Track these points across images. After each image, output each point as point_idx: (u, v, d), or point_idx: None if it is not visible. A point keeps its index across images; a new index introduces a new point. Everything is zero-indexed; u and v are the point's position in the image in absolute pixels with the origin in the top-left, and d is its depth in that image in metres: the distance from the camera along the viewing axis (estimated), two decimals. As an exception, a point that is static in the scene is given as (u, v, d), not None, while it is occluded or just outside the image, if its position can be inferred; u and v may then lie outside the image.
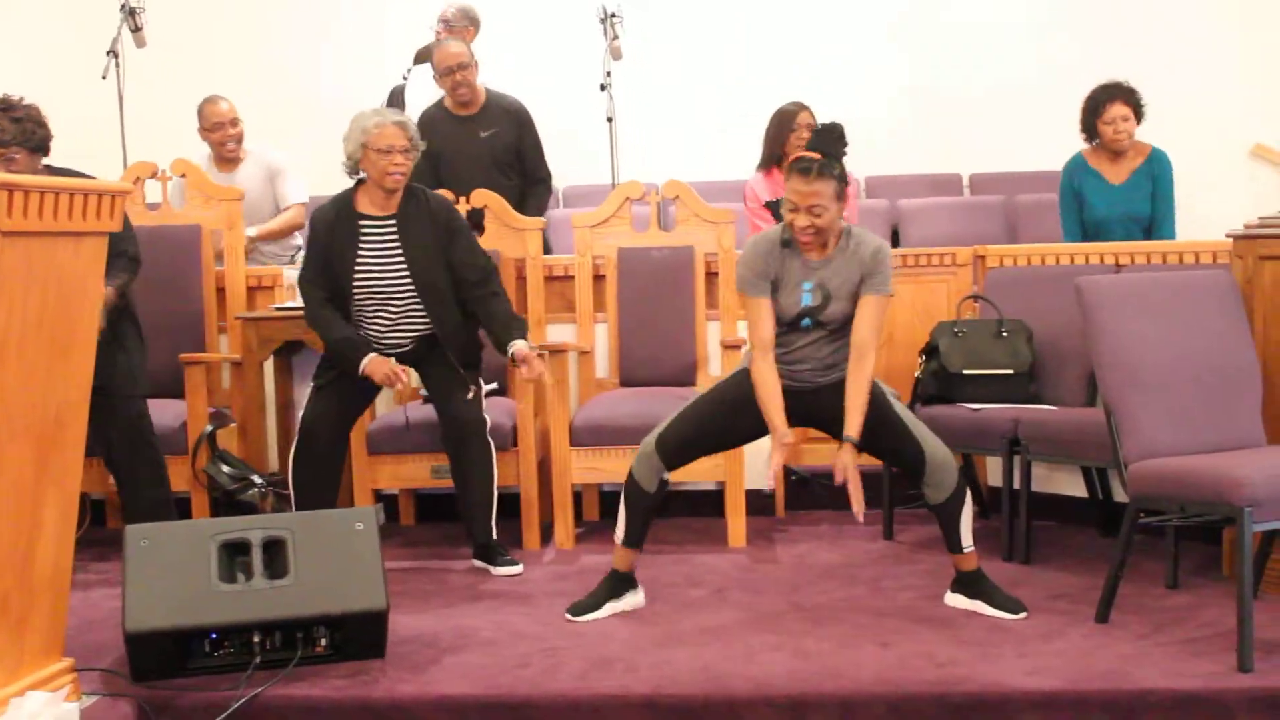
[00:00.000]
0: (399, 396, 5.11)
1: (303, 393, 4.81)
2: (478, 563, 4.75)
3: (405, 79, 6.91)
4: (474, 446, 4.66)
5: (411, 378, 4.72)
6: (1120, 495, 4.76)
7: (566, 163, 8.19)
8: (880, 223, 7.86)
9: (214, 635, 3.59)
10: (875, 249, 4.02)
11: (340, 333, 4.66)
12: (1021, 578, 4.37)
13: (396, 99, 6.78)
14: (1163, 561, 4.29)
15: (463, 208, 5.50)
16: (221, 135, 6.17)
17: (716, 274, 5.49)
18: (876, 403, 4.01)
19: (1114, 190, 5.71)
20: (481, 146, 6.14)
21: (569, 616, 4.08)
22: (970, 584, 4.06)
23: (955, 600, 4.09)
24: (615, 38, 6.78)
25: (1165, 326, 3.91)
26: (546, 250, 5.90)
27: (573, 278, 5.60)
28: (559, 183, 8.38)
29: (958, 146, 8.43)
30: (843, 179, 3.98)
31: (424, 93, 6.53)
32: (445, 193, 5.45)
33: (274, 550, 3.67)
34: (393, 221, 4.68)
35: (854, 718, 3.37)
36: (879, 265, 4.00)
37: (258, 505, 4.77)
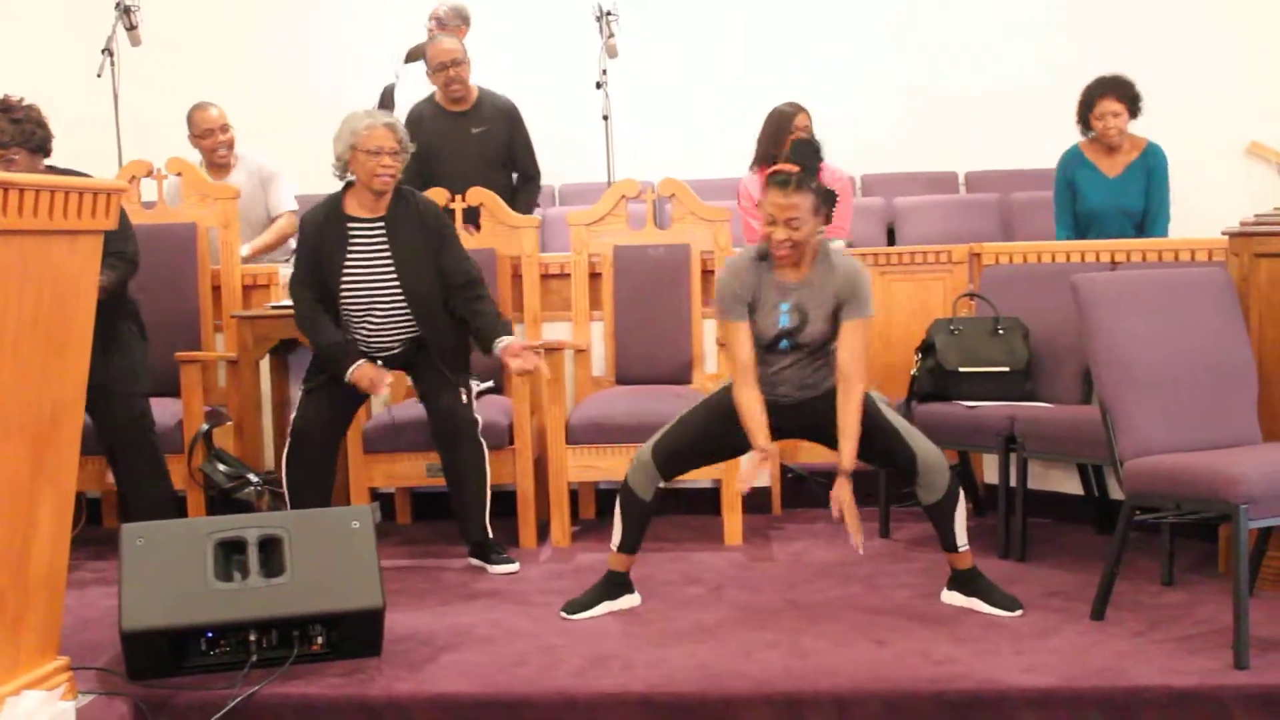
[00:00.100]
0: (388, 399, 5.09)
1: (298, 391, 4.81)
2: (474, 561, 4.75)
3: (397, 78, 6.91)
4: (466, 446, 4.65)
5: (400, 380, 4.72)
6: (1116, 492, 4.76)
7: (562, 161, 8.21)
8: (876, 220, 7.88)
9: (210, 634, 3.59)
10: (851, 272, 3.99)
11: (328, 338, 4.65)
12: (1017, 575, 4.37)
13: (387, 98, 6.77)
14: (1158, 559, 4.30)
15: (458, 205, 5.52)
16: (212, 142, 6.14)
17: (713, 272, 5.48)
18: (866, 408, 4.01)
19: (1108, 183, 5.72)
20: (472, 143, 6.14)
21: (564, 615, 4.08)
22: (966, 582, 4.07)
23: (951, 598, 4.09)
24: (611, 36, 6.78)
25: (1161, 324, 3.91)
26: (542, 248, 5.90)
27: (569, 276, 5.60)
28: (555, 180, 8.40)
29: (954, 144, 8.45)
30: (819, 192, 3.97)
31: (415, 91, 6.52)
32: (440, 191, 5.47)
33: (270, 549, 3.67)
34: (381, 224, 4.68)
35: (850, 715, 3.37)
36: (857, 289, 3.97)
37: (254, 504, 4.77)
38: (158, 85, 7.69)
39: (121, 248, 4.61)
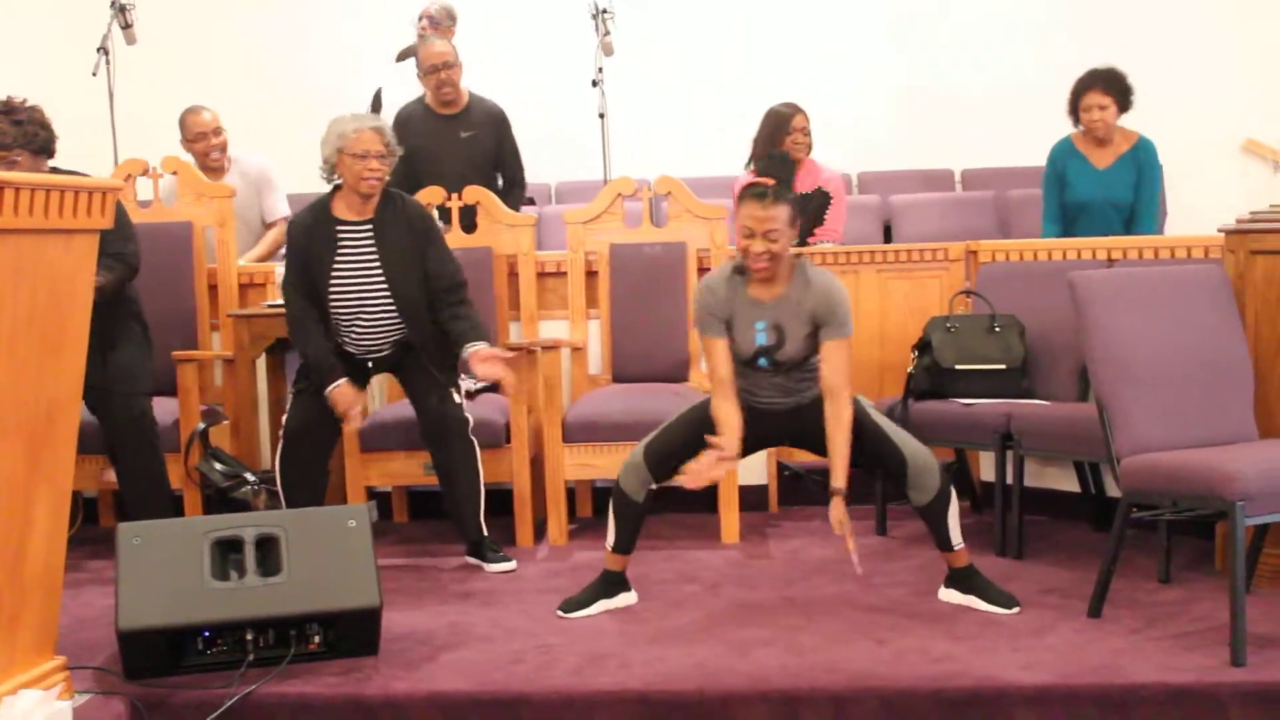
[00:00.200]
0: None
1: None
2: (471, 559, 4.75)
3: (381, 87, 6.92)
4: (456, 446, 4.65)
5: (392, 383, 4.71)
6: (1112, 490, 4.77)
7: (559, 159, 8.21)
8: (873, 218, 7.88)
9: (207, 633, 3.59)
10: (827, 290, 3.98)
11: (314, 348, 4.65)
12: (1014, 573, 4.37)
13: (378, 102, 6.76)
14: (1155, 556, 4.30)
15: (454, 204, 5.51)
16: (204, 146, 6.11)
17: (709, 270, 5.48)
18: (859, 418, 4.01)
19: (1097, 175, 5.73)
20: (460, 147, 6.13)
21: (561, 613, 4.08)
22: (963, 579, 4.07)
23: (948, 596, 4.10)
24: (607, 34, 6.78)
25: (1157, 321, 3.92)
26: (538, 246, 5.89)
27: (565, 274, 5.60)
28: (551, 179, 8.40)
29: (950, 142, 8.45)
30: (795, 203, 3.97)
31: (404, 92, 6.53)
32: (436, 190, 5.46)
33: (267, 548, 3.67)
34: (369, 227, 4.68)
35: (848, 713, 3.37)
36: (834, 309, 3.96)
37: (250, 503, 4.76)
38: (153, 84, 7.68)
39: (121, 249, 4.61)
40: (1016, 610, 3.95)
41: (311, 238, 4.66)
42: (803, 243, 5.72)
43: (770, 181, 3.93)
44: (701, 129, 8.35)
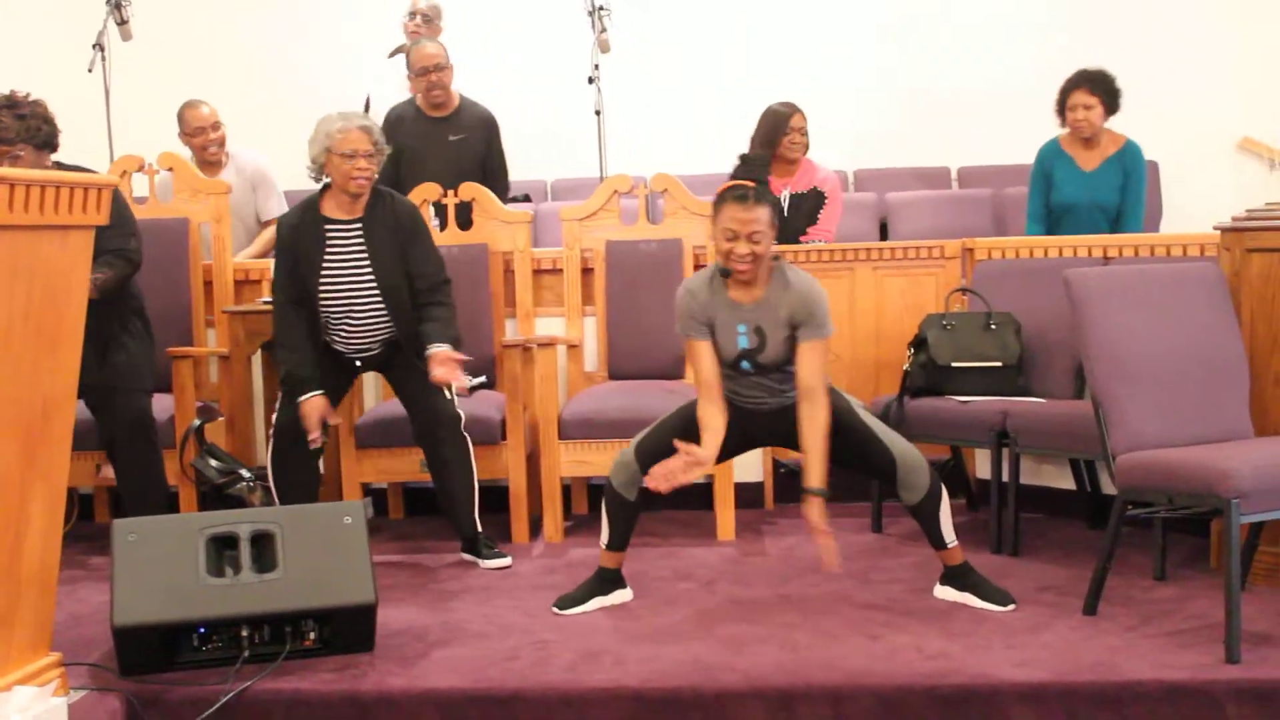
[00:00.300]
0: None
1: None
2: (466, 556, 4.75)
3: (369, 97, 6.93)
4: (449, 442, 4.65)
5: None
6: (1108, 487, 4.77)
7: (555, 156, 8.21)
8: (869, 216, 7.88)
9: (202, 629, 3.59)
10: (806, 291, 3.96)
11: (293, 355, 4.65)
12: (1010, 570, 4.38)
13: (367, 108, 6.76)
14: (1150, 553, 4.30)
15: (450, 201, 5.51)
16: (203, 140, 6.13)
17: (704, 267, 5.48)
18: (843, 412, 4.02)
19: (1083, 176, 5.74)
20: (449, 150, 6.13)
21: (556, 610, 4.08)
22: (958, 576, 4.07)
23: (944, 593, 4.10)
24: (603, 31, 6.77)
25: (1153, 319, 3.92)
26: (535, 243, 5.89)
27: (561, 271, 5.60)
28: (547, 176, 8.40)
29: (946, 140, 8.45)
30: (775, 205, 3.97)
31: (396, 92, 6.54)
32: (433, 187, 5.46)
33: (262, 544, 3.66)
34: (358, 225, 4.68)
35: (843, 710, 3.37)
36: (813, 310, 3.95)
37: (246, 499, 4.76)
38: (149, 81, 7.68)
39: (123, 244, 4.61)
40: (1012, 607, 3.95)
41: (300, 237, 4.66)
42: (795, 241, 5.76)
43: (751, 183, 3.92)
44: (698, 126, 8.35)
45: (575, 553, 4.84)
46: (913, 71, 8.51)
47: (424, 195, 5.43)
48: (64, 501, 3.40)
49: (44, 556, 3.30)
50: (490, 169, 6.22)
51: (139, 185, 5.72)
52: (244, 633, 3.59)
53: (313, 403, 4.57)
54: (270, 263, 5.67)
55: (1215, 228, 4.30)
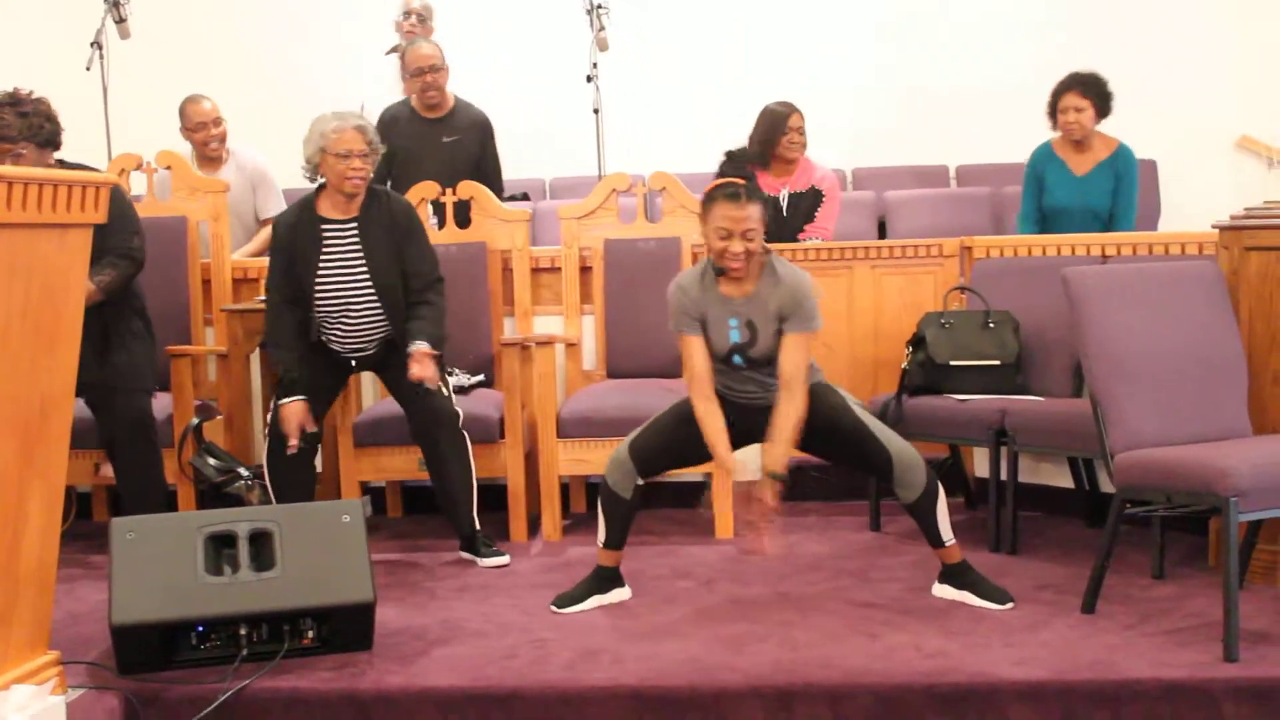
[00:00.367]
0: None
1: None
2: (464, 555, 4.75)
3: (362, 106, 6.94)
4: (446, 440, 4.65)
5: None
6: (1107, 486, 4.77)
7: (553, 154, 8.20)
8: (867, 214, 7.89)
9: (201, 628, 3.59)
10: (795, 284, 3.97)
11: (288, 354, 4.65)
12: (1008, 568, 4.38)
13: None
14: (1149, 552, 4.30)
15: (448, 200, 5.51)
16: (204, 135, 6.13)
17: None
18: (839, 409, 4.02)
19: (1075, 181, 5.74)
20: (442, 151, 6.12)
21: (554, 608, 4.08)
22: (957, 575, 4.07)
23: (943, 591, 4.10)
24: (601, 29, 6.77)
25: (1152, 317, 3.92)
26: (533, 242, 5.89)
27: (559, 269, 5.60)
28: (545, 174, 8.40)
29: (945, 138, 8.46)
30: (765, 201, 3.97)
31: (389, 91, 6.54)
32: (430, 185, 5.46)
33: (260, 542, 3.66)
34: (354, 225, 4.68)
35: (842, 708, 3.37)
36: (799, 304, 3.95)
37: (244, 497, 4.76)
38: (147, 78, 7.68)
39: (126, 244, 4.61)
40: (1010, 606, 3.95)
41: (297, 236, 4.66)
42: (791, 238, 5.76)
43: (741, 181, 3.93)
44: (696, 125, 8.34)
45: (573, 551, 4.83)
46: (911, 70, 8.51)
47: (422, 194, 5.43)
48: (62, 500, 3.39)
49: (42, 555, 3.30)
50: (484, 171, 6.19)
51: (137, 183, 5.73)
52: (242, 631, 3.59)
53: (293, 408, 4.57)
54: (267, 261, 5.68)
55: (1213, 226, 4.30)
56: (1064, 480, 5.12)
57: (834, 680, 3.42)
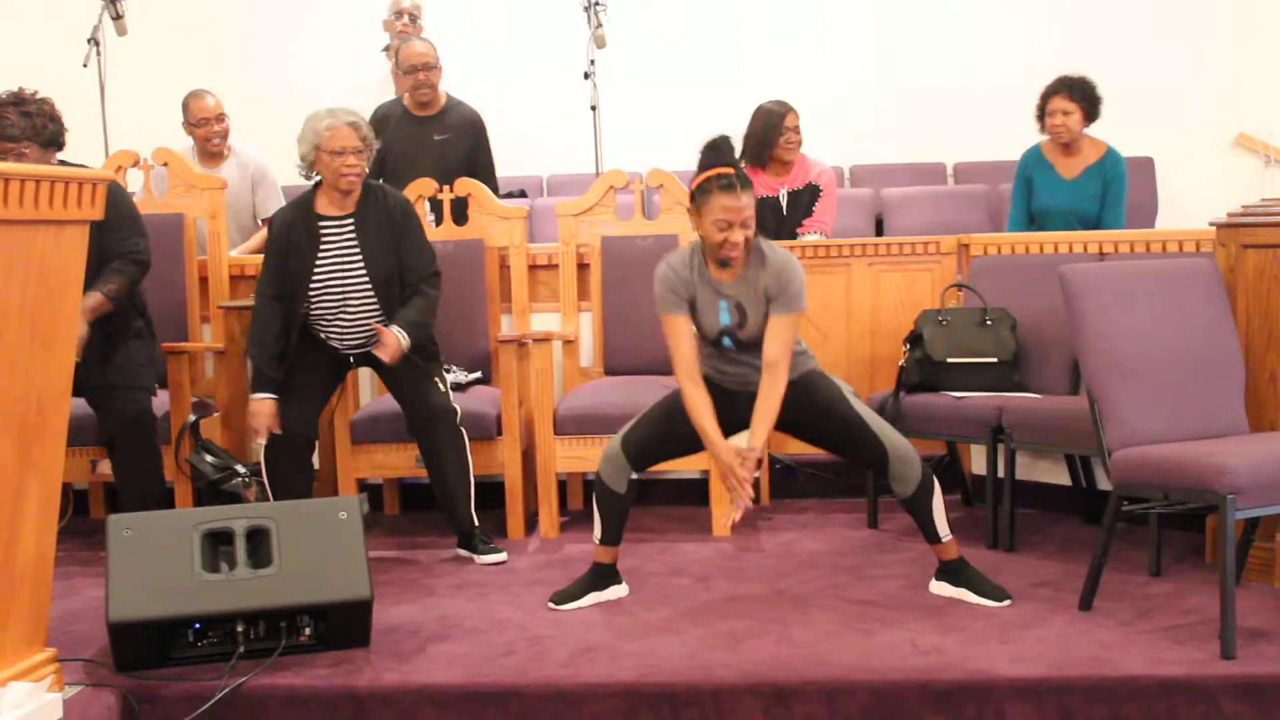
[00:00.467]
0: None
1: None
2: (462, 551, 4.75)
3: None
4: (444, 436, 4.65)
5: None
6: (1104, 483, 4.77)
7: (550, 151, 8.20)
8: (865, 211, 7.89)
9: (198, 625, 3.59)
10: (782, 266, 3.98)
11: (263, 352, 4.65)
12: (1005, 565, 4.38)
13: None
14: (1146, 549, 4.31)
15: (445, 197, 5.51)
16: (206, 131, 6.14)
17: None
18: (833, 399, 4.03)
19: (1063, 184, 5.74)
20: (433, 149, 6.12)
21: (551, 605, 4.08)
22: (954, 572, 4.07)
23: (940, 588, 4.10)
24: (599, 26, 6.77)
25: (1149, 315, 3.92)
26: (530, 239, 5.89)
27: (557, 266, 5.60)
28: (543, 171, 8.39)
29: (942, 136, 8.46)
30: (751, 185, 3.99)
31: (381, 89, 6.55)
32: (427, 182, 5.45)
33: (257, 540, 3.66)
34: (351, 221, 4.67)
35: (838, 705, 3.37)
36: (786, 285, 3.96)
37: (241, 495, 4.76)
38: (144, 75, 7.66)
39: (133, 246, 4.62)
40: (1008, 603, 3.95)
41: (293, 234, 4.66)
42: (791, 235, 5.76)
43: (731, 170, 3.94)
44: (694, 122, 8.28)
45: (571, 548, 4.83)
46: (908, 67, 8.51)
47: (419, 191, 5.43)
48: (59, 497, 3.39)
49: (39, 552, 3.29)
50: (477, 170, 6.17)
51: (134, 180, 5.72)
52: (239, 628, 3.59)
53: (265, 404, 4.57)
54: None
55: (1211, 224, 4.30)
56: (1061, 478, 5.13)
57: (831, 677, 3.42)
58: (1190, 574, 4.24)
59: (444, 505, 4.73)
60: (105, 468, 4.91)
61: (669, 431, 4.04)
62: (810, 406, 4.01)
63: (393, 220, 4.69)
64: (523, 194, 7.39)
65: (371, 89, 6.89)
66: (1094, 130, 5.78)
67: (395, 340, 4.53)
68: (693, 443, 4.05)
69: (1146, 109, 7.71)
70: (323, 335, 4.71)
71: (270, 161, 6.32)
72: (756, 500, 3.90)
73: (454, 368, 5.17)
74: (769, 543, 4.86)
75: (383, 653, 3.68)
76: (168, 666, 3.57)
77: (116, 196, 4.57)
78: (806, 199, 5.97)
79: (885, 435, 4.00)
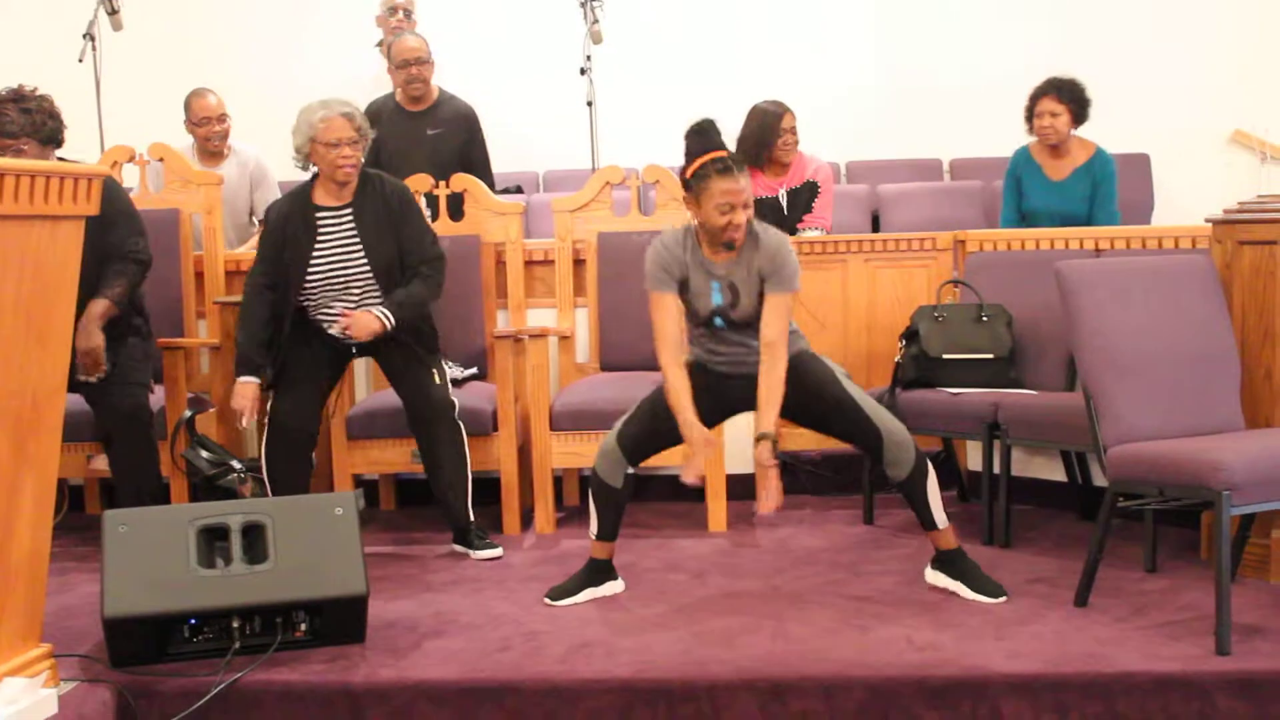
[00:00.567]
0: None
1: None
2: (457, 547, 4.75)
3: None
4: (443, 429, 4.65)
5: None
6: (1099, 479, 4.78)
7: (546, 147, 8.19)
8: (861, 207, 7.88)
9: (193, 620, 3.59)
10: (774, 247, 3.99)
11: (249, 339, 4.65)
12: (1001, 561, 4.38)
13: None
14: (1141, 545, 4.31)
15: (441, 192, 5.50)
16: (207, 130, 6.13)
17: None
18: (825, 380, 4.03)
19: (1052, 186, 5.73)
20: (426, 144, 6.11)
21: (547, 601, 4.08)
22: (950, 563, 4.06)
23: (935, 578, 4.09)
24: (595, 21, 6.77)
25: (1145, 311, 3.92)
26: (526, 234, 5.88)
27: (552, 262, 5.59)
28: (539, 167, 8.39)
29: (938, 132, 8.46)
30: (745, 167, 4.00)
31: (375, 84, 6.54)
32: (423, 178, 5.45)
33: (253, 535, 3.66)
34: (349, 211, 4.67)
35: (834, 701, 3.38)
36: (781, 264, 3.97)
37: (237, 490, 4.75)
38: (140, 71, 7.65)
39: (134, 246, 4.63)
40: (1003, 599, 3.95)
41: (290, 225, 4.66)
42: (792, 231, 5.76)
43: (725, 153, 3.95)
44: (690, 118, 8.31)
45: (567, 544, 4.84)
46: (904, 63, 8.50)
47: (415, 186, 5.41)
48: (54, 493, 3.39)
49: (34, 547, 3.29)
50: (472, 163, 6.16)
51: (130, 176, 5.71)
52: (235, 624, 3.59)
53: (248, 386, 4.58)
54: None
55: (1207, 220, 4.30)
56: (1057, 474, 5.13)
57: (826, 673, 3.42)
58: (1185, 570, 4.24)
59: (441, 500, 4.73)
60: (101, 463, 4.91)
61: (664, 421, 4.04)
62: (802, 388, 4.01)
63: (391, 208, 4.69)
64: (519, 190, 7.39)
65: (366, 85, 6.89)
66: (1090, 125, 5.77)
67: (367, 319, 4.52)
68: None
69: (1142, 106, 7.71)
70: (325, 326, 4.70)
71: (269, 160, 6.31)
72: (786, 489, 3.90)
73: (450, 363, 5.17)
74: (765, 538, 4.86)
75: (378, 648, 3.68)
76: (163, 662, 3.57)
77: (113, 192, 4.57)
78: (806, 196, 5.97)
79: (879, 417, 4.00)
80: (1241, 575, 4.07)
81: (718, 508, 5.00)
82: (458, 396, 4.75)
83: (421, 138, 6.13)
